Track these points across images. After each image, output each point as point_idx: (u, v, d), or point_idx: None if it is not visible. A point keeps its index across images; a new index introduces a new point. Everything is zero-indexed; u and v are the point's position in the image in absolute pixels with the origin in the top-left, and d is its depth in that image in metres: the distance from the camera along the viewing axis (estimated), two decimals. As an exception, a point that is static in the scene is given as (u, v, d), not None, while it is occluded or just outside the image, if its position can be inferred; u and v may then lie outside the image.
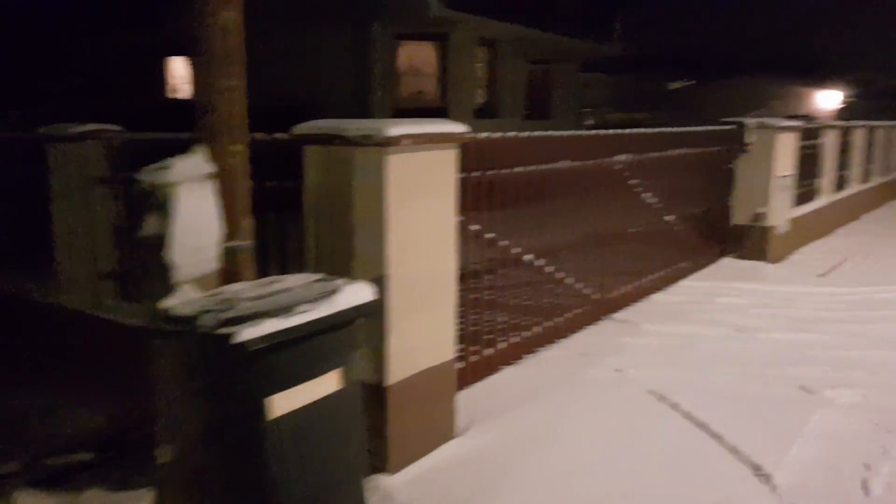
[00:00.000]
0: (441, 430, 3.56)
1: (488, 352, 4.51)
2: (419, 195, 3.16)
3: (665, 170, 6.70)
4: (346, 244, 3.08)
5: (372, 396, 3.10)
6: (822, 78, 39.30)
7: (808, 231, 9.51)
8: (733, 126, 8.08)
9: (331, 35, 12.19)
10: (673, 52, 40.18)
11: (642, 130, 6.24)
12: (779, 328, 5.95)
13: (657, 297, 6.70)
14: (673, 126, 7.37)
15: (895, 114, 21.78)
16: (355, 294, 2.15)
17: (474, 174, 4.07)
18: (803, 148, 9.17)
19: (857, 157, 11.91)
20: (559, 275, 5.24)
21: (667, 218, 6.89)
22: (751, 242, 8.22)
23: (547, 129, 5.41)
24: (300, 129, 3.17)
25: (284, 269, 3.22)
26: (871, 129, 12.86)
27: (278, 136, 3.30)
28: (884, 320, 6.27)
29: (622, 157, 5.86)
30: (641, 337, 5.57)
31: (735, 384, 4.70)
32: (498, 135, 4.26)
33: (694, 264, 7.62)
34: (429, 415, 3.44)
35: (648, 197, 6.43)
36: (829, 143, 10.16)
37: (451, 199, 3.39)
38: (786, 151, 8.36)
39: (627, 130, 6.00)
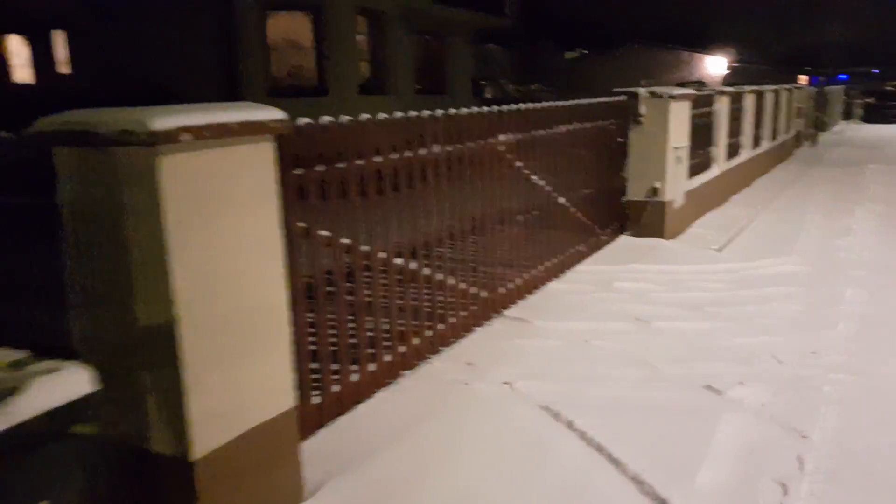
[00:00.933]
0: (281, 500, 2.82)
1: (352, 379, 3.80)
2: (220, 207, 2.37)
3: (555, 148, 6.14)
4: (123, 282, 2.27)
5: (172, 475, 2.33)
6: (708, 44, 40.47)
7: (703, 202, 9.28)
8: (625, 97, 7.63)
9: (191, 6, 10.96)
10: (566, 22, 40.21)
11: (527, 106, 5.63)
12: (680, 316, 5.53)
13: (553, 287, 6.17)
14: (566, 97, 6.83)
15: (777, 78, 22.46)
16: (55, 390, 1.39)
17: (315, 169, 3.31)
18: (696, 116, 8.88)
19: (747, 123, 11.87)
20: (438, 275, 4.57)
21: (560, 200, 6.35)
22: (647, 219, 7.85)
23: (441, 106, 4.70)
24: (46, 123, 2.31)
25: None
26: (760, 95, 12.88)
27: (26, 133, 2.42)
28: (785, 298, 5.98)
29: (505, 137, 5.23)
30: (535, 337, 5.00)
31: (636, 391, 4.19)
32: (336, 120, 3.50)
33: (591, 246, 7.16)
34: (261, 484, 2.69)
35: (538, 178, 5.85)
36: (722, 109, 9.97)
37: (271, 207, 2.62)
38: (679, 121, 8.01)
39: (510, 107, 5.36)
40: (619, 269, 6.79)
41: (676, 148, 7.88)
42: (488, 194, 5.10)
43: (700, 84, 27.64)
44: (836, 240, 8.22)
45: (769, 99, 13.68)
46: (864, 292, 6.15)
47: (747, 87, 11.72)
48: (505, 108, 5.24)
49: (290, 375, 2.84)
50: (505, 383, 4.20)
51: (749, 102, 11.80)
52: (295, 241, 3.16)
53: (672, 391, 4.19)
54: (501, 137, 5.17)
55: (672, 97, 7.60)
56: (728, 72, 38.44)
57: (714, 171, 9.85)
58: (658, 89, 7.68)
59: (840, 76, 46.47)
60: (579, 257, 6.83)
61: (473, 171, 4.83)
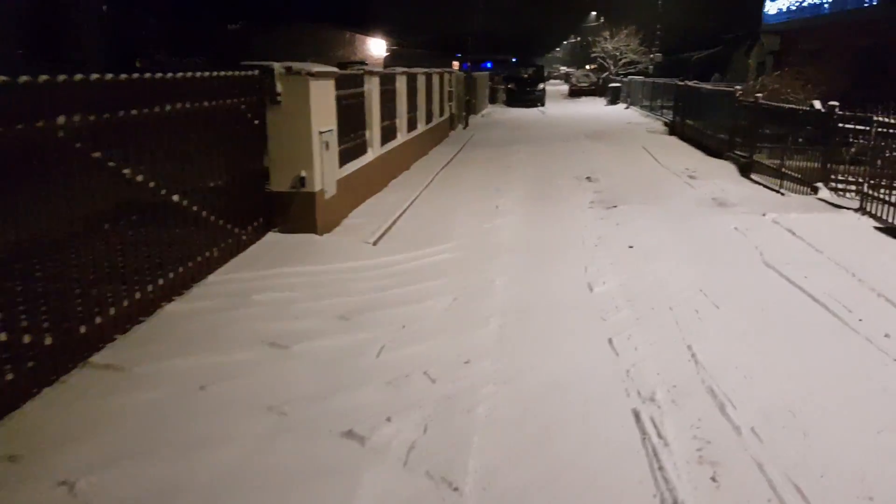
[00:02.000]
0: None
1: None
2: None
3: (161, 132, 4.83)
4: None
5: None
6: (371, 26, 41.32)
7: (360, 190, 8.70)
8: (256, 72, 6.56)
9: None
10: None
11: (109, 78, 4.22)
12: (324, 331, 4.71)
13: (171, 310, 4.89)
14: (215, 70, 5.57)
15: (433, 63, 23.43)
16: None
17: None
18: (345, 98, 8.20)
19: (402, 105, 11.68)
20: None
21: (174, 197, 5.07)
22: (296, 212, 6.94)
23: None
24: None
25: None
26: (413, 77, 12.84)
27: None
28: (440, 293, 5.54)
29: (69, 119, 3.79)
30: (132, 392, 3.73)
31: (259, 453, 3.21)
32: None
33: (227, 250, 6.01)
34: None
35: (132, 172, 4.50)
36: (373, 91, 9.47)
37: None
38: (324, 102, 7.21)
39: (79, 77, 3.92)
40: (261, 275, 5.77)
41: (323, 132, 7.07)
42: (43, 199, 3.64)
43: (361, 64, 27.89)
44: (487, 222, 8.25)
45: (422, 81, 13.78)
46: (511, 278, 6.02)
47: (399, 69, 11.49)
48: (67, 77, 3.79)
49: None
50: (63, 483, 2.89)
51: (402, 84, 11.60)
52: None
53: (304, 444, 3.30)
54: (62, 119, 3.73)
55: (312, 75, 6.73)
56: (388, 54, 39.71)
57: (369, 156, 9.34)
58: (296, 65, 6.74)
59: (485, 63, 51.33)
60: (210, 265, 5.63)
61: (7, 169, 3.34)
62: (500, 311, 5.23)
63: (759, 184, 11.19)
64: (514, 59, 49.06)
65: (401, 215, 8.43)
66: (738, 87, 13.98)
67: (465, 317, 5.09)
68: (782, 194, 10.04)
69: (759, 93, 13.37)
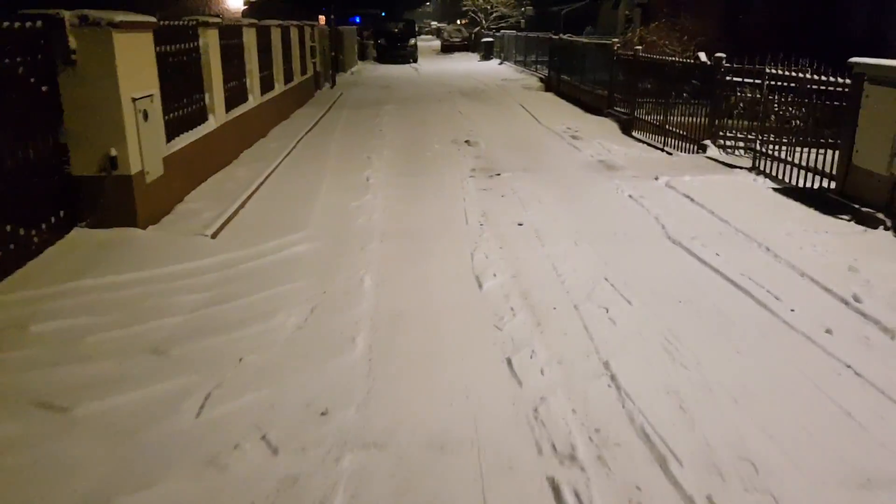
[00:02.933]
0: None
1: None
2: None
3: None
4: None
5: None
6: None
7: (197, 167, 7.24)
8: (38, 23, 4.97)
9: None
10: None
11: None
12: (135, 372, 3.44)
13: None
14: None
15: (298, 16, 21.44)
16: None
17: None
18: (172, 55, 6.67)
19: (252, 63, 10.12)
20: None
21: None
22: (109, 201, 5.47)
23: None
24: None
25: None
26: (265, 30, 11.23)
27: None
28: (292, 303, 4.35)
29: None
30: None
31: None
32: None
33: (7, 258, 4.51)
34: None
35: None
36: (211, 46, 7.92)
37: None
38: (139, 61, 5.71)
39: None
40: (49, 292, 4.34)
41: (138, 98, 5.58)
42: None
43: (219, 17, 25.28)
44: (355, 199, 7.08)
45: (277, 36, 12.17)
46: (383, 275, 4.93)
47: (246, 20, 9.89)
48: None
49: None
50: None
51: (250, 38, 10.02)
52: None
53: None
54: None
55: (116, 25, 5.21)
56: (245, 7, 36.70)
57: (211, 125, 7.84)
58: (93, 13, 5.19)
59: (353, 18, 49.06)
60: (-30, 288, 4.14)
61: None
62: (369, 324, 4.13)
63: (644, 142, 10.65)
64: (382, 14, 47.07)
65: (251, 195, 7.08)
66: (616, 41, 13.40)
67: (323, 337, 3.95)
68: (670, 154, 9.50)
69: (637, 46, 12.83)
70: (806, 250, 5.26)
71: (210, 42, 7.87)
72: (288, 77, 13.23)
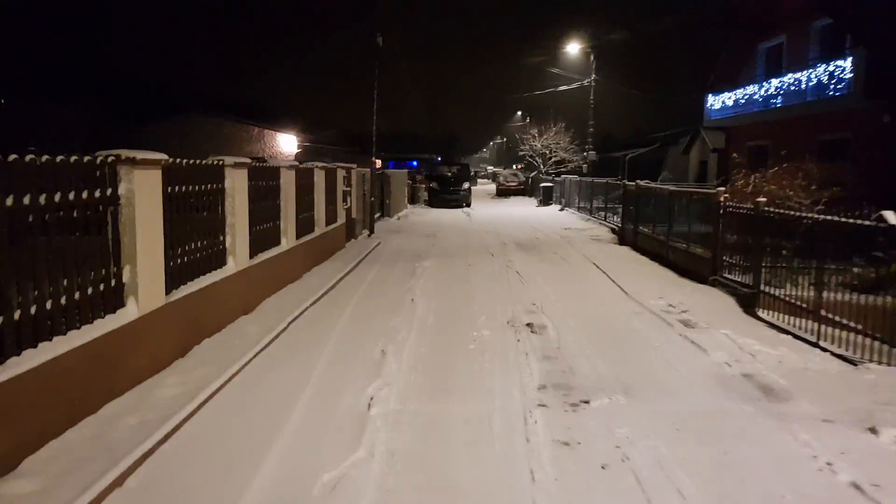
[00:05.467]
0: None
1: None
2: None
3: None
4: None
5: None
6: (281, 121, 37.75)
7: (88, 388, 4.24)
8: None
9: None
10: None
11: None
12: None
13: None
14: None
15: (349, 158, 19.58)
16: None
17: None
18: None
19: (239, 214, 7.42)
20: None
21: None
22: None
23: None
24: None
25: None
26: (272, 173, 8.66)
27: None
28: None
29: None
30: None
31: None
32: None
33: None
34: None
35: None
36: (141, 198, 5.20)
37: None
38: None
39: None
40: None
41: None
42: None
43: (260, 160, 23.96)
44: (329, 468, 3.91)
45: (289, 180, 9.62)
46: None
47: (230, 159, 7.27)
48: None
49: None
50: None
51: (237, 183, 7.35)
52: None
53: None
54: None
55: None
56: (300, 150, 36.00)
57: (131, 314, 4.95)
58: None
59: (410, 162, 48.49)
60: None
61: None
62: None
63: (781, 329, 7.34)
64: (438, 158, 46.24)
65: (170, 433, 4.00)
66: (721, 189, 10.44)
67: None
68: (854, 364, 6.09)
69: (756, 195, 9.78)
70: None
71: (139, 190, 5.13)
72: (305, 228, 10.60)
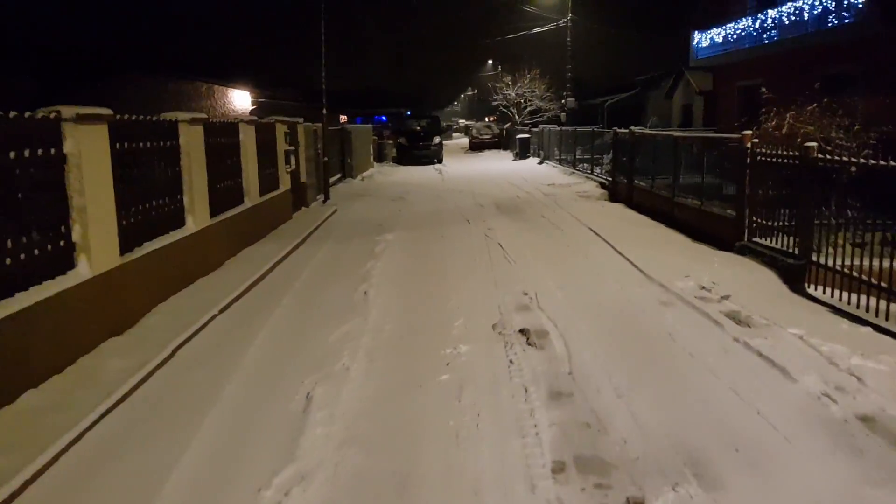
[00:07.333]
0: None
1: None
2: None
3: None
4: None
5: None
6: (235, 78, 34.77)
7: None
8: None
9: None
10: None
11: None
12: None
13: None
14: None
15: (308, 114, 17.03)
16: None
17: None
18: None
19: (98, 191, 5.14)
20: None
21: None
22: None
23: None
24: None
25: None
26: (173, 128, 6.32)
27: None
28: None
29: None
30: None
31: None
32: None
33: None
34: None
35: None
36: None
37: None
38: None
39: None
40: None
41: None
42: None
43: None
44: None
45: (196, 139, 7.25)
46: None
47: (103, 109, 4.92)
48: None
49: None
50: None
51: (87, 150, 5.03)
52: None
53: None
54: None
55: None
56: (254, 107, 33.11)
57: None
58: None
59: (378, 117, 45.63)
60: None
61: None
62: None
63: (863, 322, 5.31)
64: (408, 112, 43.47)
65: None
66: (747, 133, 8.33)
67: None
68: None
69: (793, 139, 7.69)
70: None
71: None
72: (227, 201, 8.32)
